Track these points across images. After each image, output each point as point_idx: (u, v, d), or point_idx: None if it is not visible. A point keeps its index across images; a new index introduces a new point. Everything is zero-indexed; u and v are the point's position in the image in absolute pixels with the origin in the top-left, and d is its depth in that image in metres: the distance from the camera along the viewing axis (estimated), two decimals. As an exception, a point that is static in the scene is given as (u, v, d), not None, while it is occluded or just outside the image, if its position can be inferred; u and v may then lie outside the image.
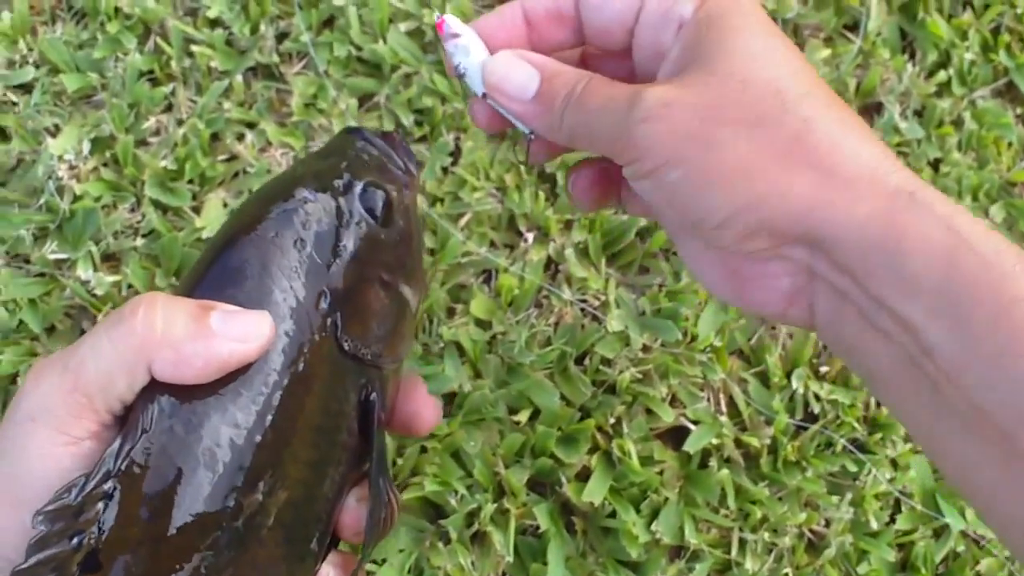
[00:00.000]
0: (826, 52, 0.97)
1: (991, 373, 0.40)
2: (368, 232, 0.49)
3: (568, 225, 0.91)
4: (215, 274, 0.46)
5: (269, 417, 0.43)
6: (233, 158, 0.92)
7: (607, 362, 0.87)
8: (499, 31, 0.52)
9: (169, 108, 0.93)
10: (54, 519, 0.40)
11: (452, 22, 0.51)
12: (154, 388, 0.42)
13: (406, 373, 0.53)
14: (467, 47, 0.50)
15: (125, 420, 0.43)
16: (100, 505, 0.40)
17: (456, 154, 0.93)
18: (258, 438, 0.43)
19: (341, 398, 0.47)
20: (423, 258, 0.54)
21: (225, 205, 0.89)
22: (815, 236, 0.44)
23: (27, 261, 0.88)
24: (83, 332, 0.85)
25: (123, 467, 0.41)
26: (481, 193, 0.91)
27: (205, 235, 0.87)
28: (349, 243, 0.48)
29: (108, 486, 0.40)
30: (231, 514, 0.42)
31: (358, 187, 0.50)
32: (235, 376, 0.43)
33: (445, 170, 0.92)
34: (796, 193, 0.43)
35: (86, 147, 0.90)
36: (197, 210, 0.89)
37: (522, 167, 0.91)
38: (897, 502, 0.86)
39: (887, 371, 0.44)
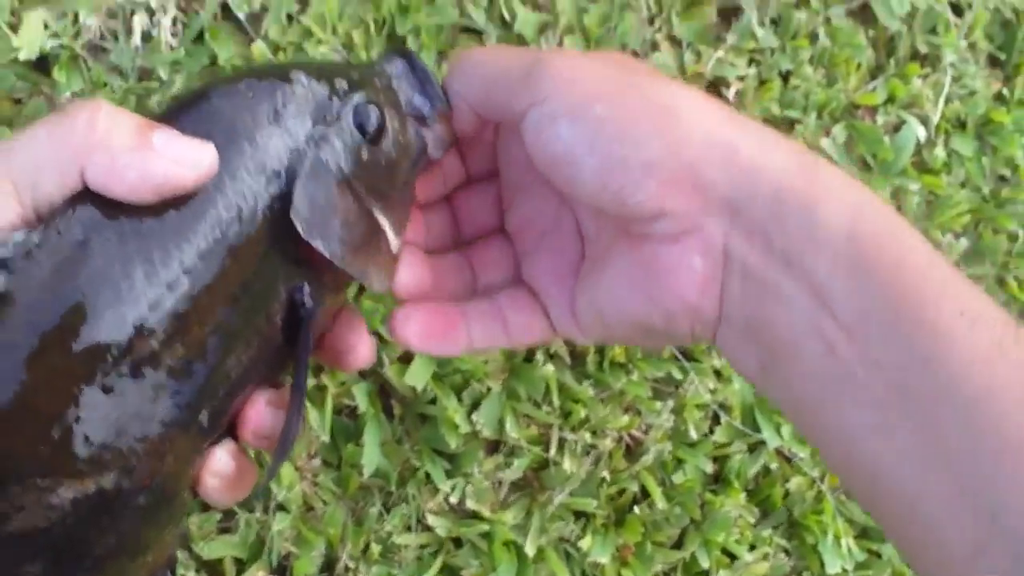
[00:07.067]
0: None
1: (890, 321, 0.40)
2: (351, 141, 0.46)
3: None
4: (177, 114, 0.43)
5: (185, 264, 0.41)
6: None
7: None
8: None
9: None
10: None
11: None
12: (82, 197, 0.40)
13: (347, 308, 0.50)
14: None
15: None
16: None
17: (304, 1, 0.86)
18: (167, 281, 0.41)
19: (268, 281, 0.44)
20: (408, 202, 0.50)
21: (46, 26, 0.79)
22: (735, 190, 0.43)
23: None
24: None
25: (21, 260, 0.39)
26: (326, 48, 0.84)
27: (22, 57, 0.77)
28: (326, 139, 0.46)
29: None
30: (119, 350, 0.40)
31: (357, 97, 0.47)
32: (162, 212, 0.41)
33: (291, 18, 0.85)
34: (719, 136, 0.43)
35: None
36: (14, 27, 0.79)
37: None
38: (716, 414, 0.87)
39: (785, 343, 0.43)
